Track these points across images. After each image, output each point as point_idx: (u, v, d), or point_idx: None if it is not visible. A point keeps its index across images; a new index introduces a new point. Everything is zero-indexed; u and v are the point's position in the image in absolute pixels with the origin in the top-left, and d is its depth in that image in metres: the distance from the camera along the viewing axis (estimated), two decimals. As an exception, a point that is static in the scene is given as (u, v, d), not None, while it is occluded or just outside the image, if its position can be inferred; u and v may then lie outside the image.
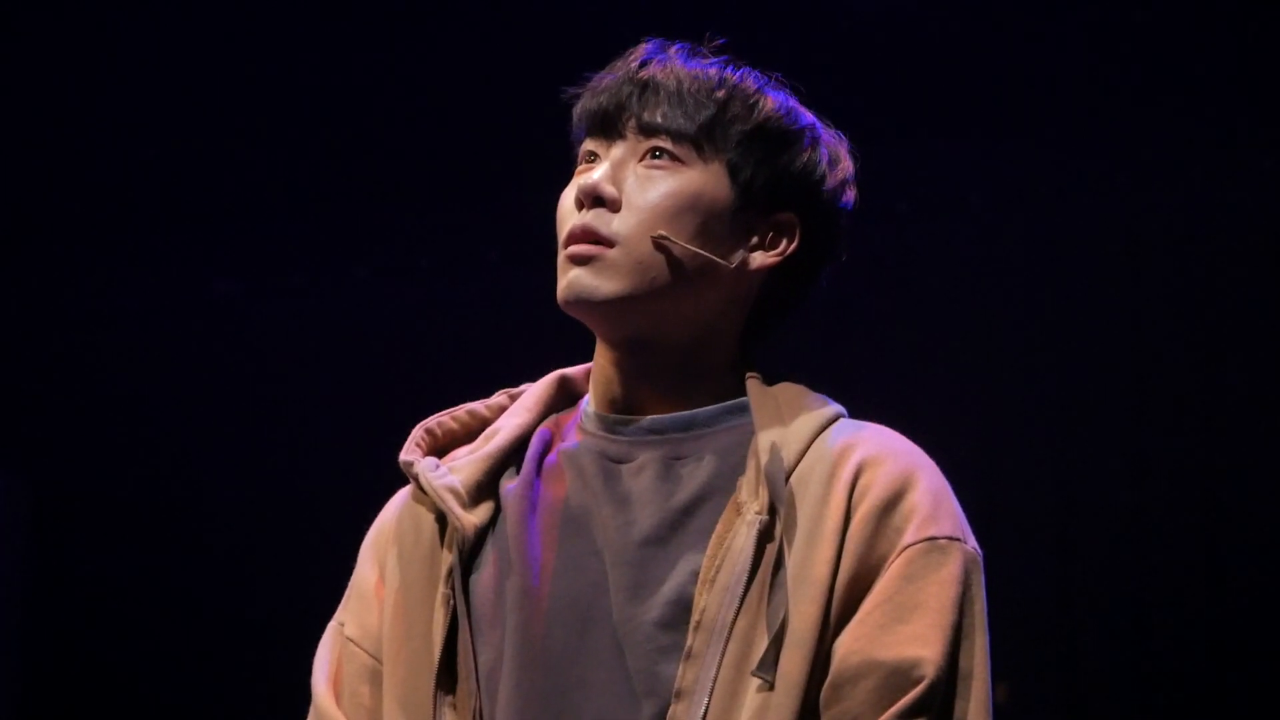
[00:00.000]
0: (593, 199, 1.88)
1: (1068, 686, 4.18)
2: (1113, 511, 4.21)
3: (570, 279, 1.87)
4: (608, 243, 1.87)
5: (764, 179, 1.92)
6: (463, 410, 2.00)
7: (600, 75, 1.97)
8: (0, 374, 4.86)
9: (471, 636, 1.84)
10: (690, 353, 1.91)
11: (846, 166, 1.98)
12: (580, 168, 1.94)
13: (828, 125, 1.98)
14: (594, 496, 1.88)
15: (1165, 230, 4.21)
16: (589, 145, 1.94)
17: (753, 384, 1.92)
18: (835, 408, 1.92)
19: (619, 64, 1.96)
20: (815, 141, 1.95)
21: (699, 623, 1.77)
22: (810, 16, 4.06)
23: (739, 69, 1.95)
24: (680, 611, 1.79)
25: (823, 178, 1.95)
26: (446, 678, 1.84)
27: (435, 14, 4.20)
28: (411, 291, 4.68)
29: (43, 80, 4.35)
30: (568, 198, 1.92)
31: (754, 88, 1.94)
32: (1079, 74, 4.20)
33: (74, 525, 4.84)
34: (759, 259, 1.93)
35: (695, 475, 1.87)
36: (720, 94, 1.92)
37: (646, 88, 1.91)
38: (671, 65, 1.93)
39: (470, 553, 1.87)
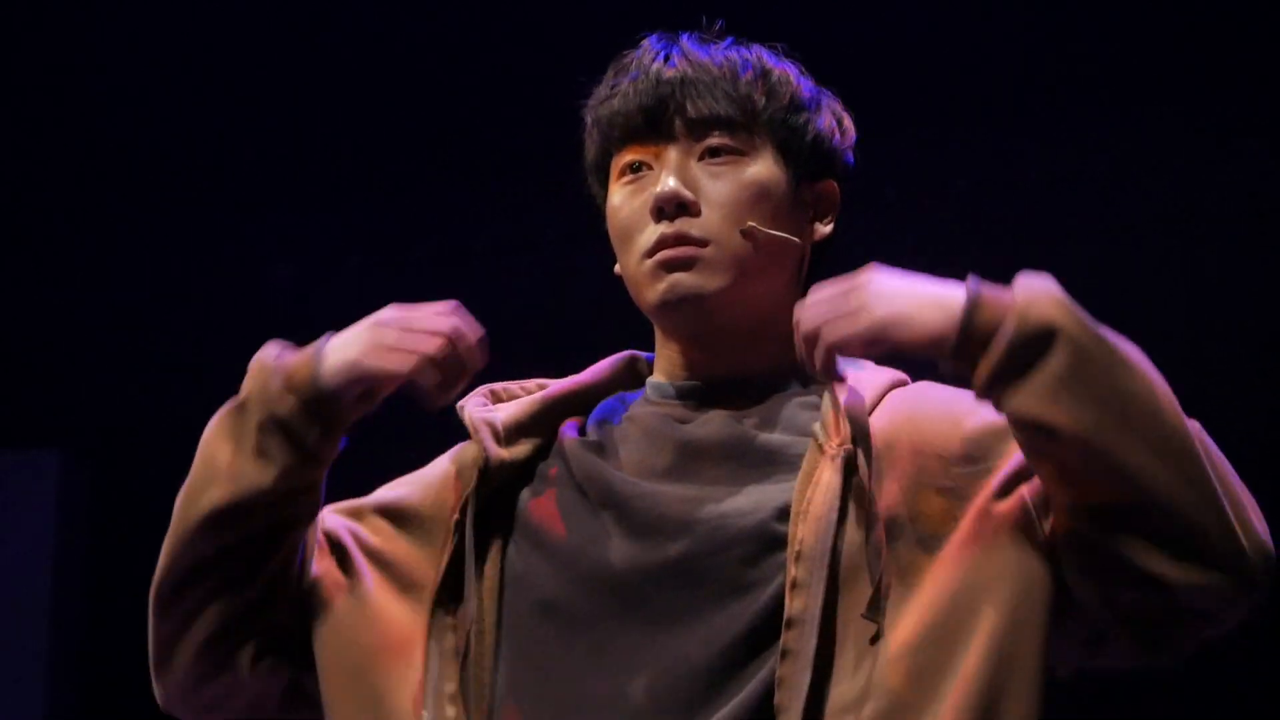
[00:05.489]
0: (675, 206, 1.90)
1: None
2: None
3: (671, 282, 1.89)
4: (700, 243, 1.89)
5: (807, 152, 1.96)
6: (532, 381, 2.03)
7: (612, 80, 1.98)
8: (59, 358, 4.88)
9: (491, 569, 1.87)
10: (759, 333, 1.94)
11: (849, 125, 2.03)
12: (627, 178, 1.95)
13: (822, 88, 2.02)
14: (664, 441, 1.90)
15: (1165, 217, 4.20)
16: (631, 154, 1.95)
17: None
18: (899, 374, 1.94)
19: (629, 63, 1.97)
20: (825, 104, 2.00)
21: (799, 553, 1.77)
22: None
23: (749, 47, 1.98)
24: (762, 548, 1.80)
25: (841, 140, 2.01)
26: (447, 596, 1.86)
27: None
28: (467, 272, 4.67)
29: (97, 60, 4.36)
30: (626, 208, 1.93)
31: (773, 64, 1.97)
32: (1070, 64, 4.20)
33: (132, 509, 4.85)
34: (818, 230, 1.98)
35: (763, 429, 1.89)
36: (749, 76, 1.94)
37: (683, 84, 1.93)
38: (693, 56, 1.95)
39: (509, 482, 1.90)
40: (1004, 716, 1.72)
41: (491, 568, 1.87)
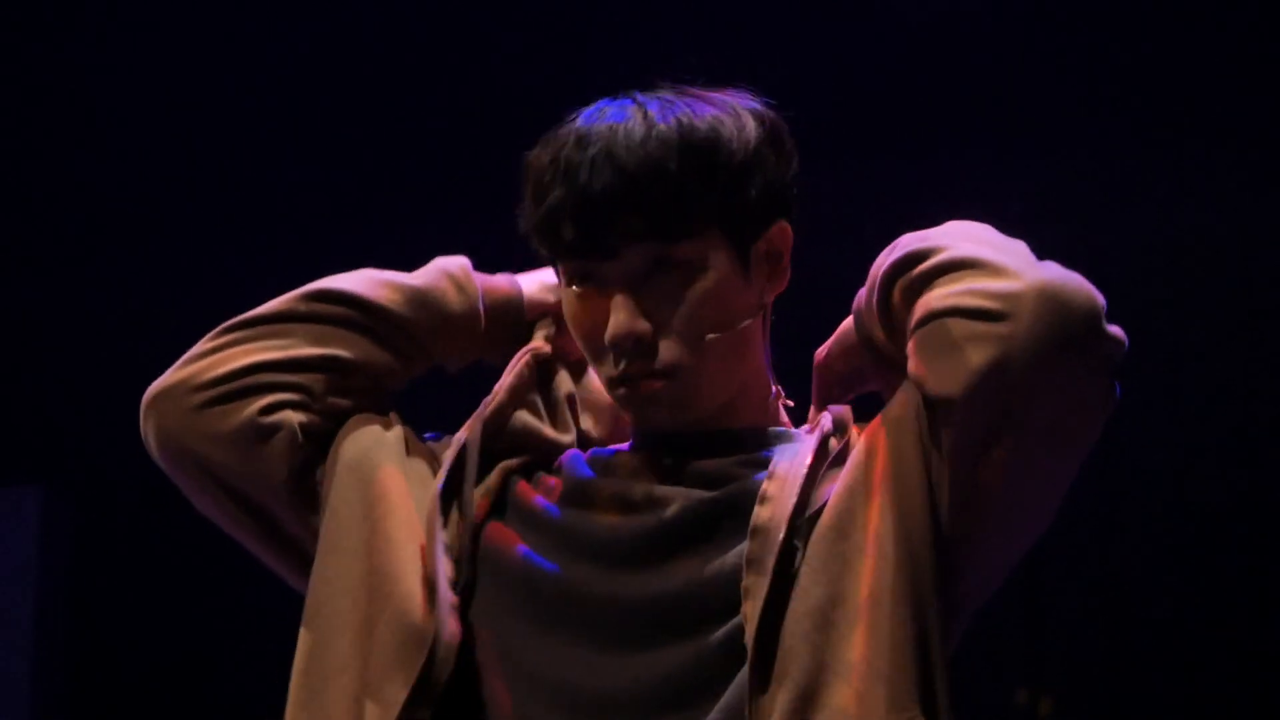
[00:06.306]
0: (631, 343, 1.86)
1: (1113, 701, 4.17)
2: (1156, 529, 4.20)
3: (641, 414, 1.91)
4: (664, 374, 1.87)
5: (749, 215, 1.90)
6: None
7: (536, 185, 1.89)
8: (41, 389, 4.87)
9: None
10: (735, 399, 1.94)
11: (790, 150, 1.94)
12: (577, 290, 1.90)
13: (753, 101, 1.93)
14: (650, 470, 1.93)
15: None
16: (577, 265, 1.90)
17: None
18: None
19: (555, 161, 1.87)
20: (762, 141, 1.90)
21: (771, 473, 1.83)
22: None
23: (664, 107, 1.87)
24: (739, 514, 1.84)
25: (784, 170, 1.93)
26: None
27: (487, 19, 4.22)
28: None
29: (84, 87, 4.37)
30: (580, 323, 1.91)
31: (702, 126, 1.86)
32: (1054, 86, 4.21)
33: (115, 545, 4.84)
34: (774, 285, 1.95)
35: (745, 466, 1.91)
36: (673, 166, 1.84)
37: (612, 201, 1.83)
38: (620, 156, 1.83)
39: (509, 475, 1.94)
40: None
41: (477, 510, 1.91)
